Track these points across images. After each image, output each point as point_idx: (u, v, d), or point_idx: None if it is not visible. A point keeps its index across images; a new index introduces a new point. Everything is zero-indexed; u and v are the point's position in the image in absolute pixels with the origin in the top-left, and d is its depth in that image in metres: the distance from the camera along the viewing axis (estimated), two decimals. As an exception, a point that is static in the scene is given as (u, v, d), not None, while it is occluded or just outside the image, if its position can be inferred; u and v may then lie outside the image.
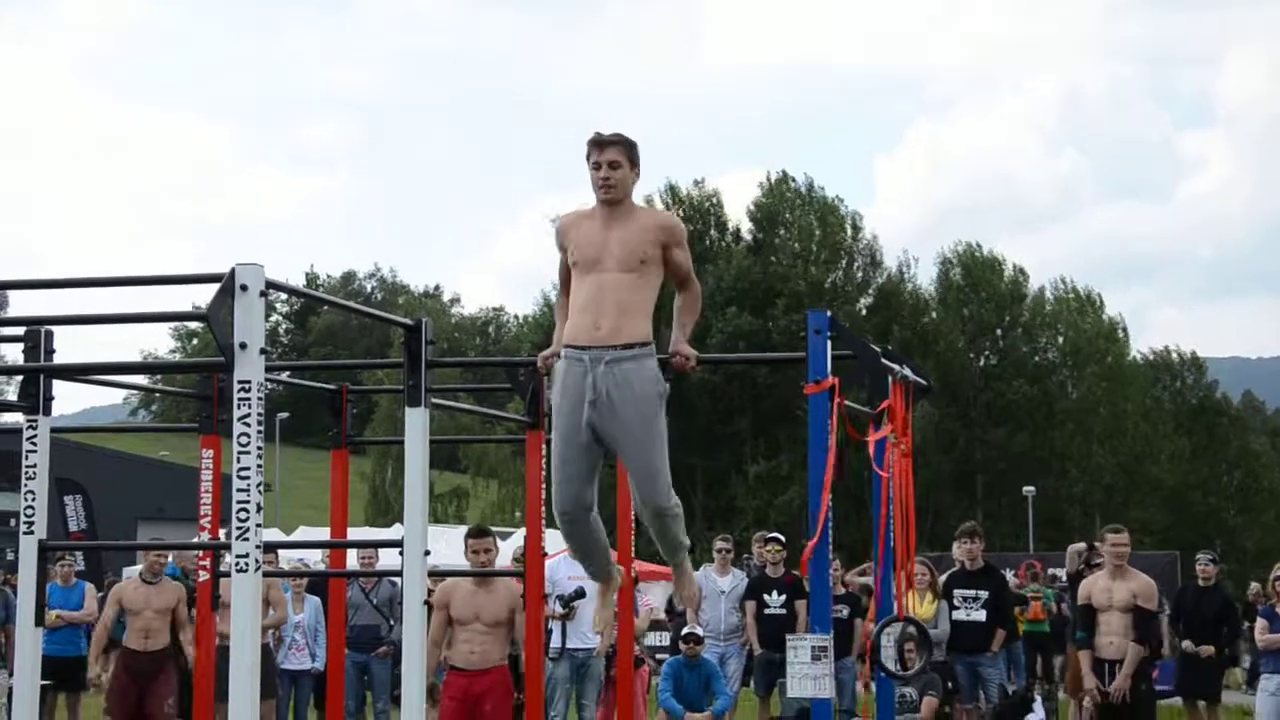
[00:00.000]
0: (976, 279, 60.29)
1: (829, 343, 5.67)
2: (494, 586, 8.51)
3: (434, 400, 5.96)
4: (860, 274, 60.16)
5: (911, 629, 6.30)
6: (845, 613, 11.73)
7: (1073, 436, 57.43)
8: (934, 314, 60.08)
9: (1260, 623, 11.47)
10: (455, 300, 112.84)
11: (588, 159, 5.54)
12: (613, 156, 5.51)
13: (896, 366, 6.06)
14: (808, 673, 5.50)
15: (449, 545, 16.19)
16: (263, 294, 4.59)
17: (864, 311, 57.05)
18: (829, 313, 5.80)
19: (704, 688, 11.78)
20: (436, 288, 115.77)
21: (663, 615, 19.26)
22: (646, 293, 5.55)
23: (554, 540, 7.78)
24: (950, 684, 11.43)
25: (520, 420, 7.22)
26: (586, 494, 5.71)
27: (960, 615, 11.68)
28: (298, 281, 52.72)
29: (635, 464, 5.61)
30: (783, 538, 13.09)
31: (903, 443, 6.09)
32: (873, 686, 6.72)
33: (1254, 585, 22.72)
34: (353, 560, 13.05)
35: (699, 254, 55.73)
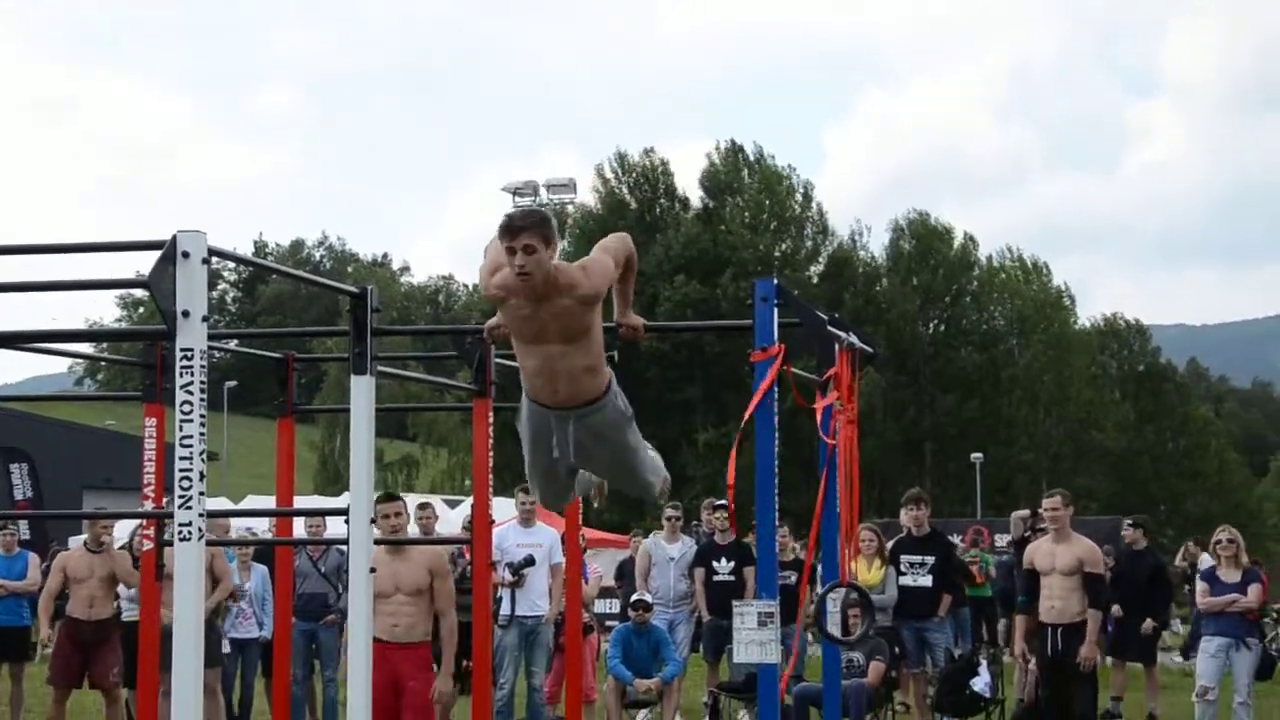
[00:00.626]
0: (926, 247, 60.58)
1: (776, 310, 5.66)
2: (409, 554, 8.34)
3: (381, 369, 5.93)
4: (810, 242, 60.32)
5: (854, 594, 6.34)
6: (793, 579, 11.78)
7: (1020, 404, 57.92)
8: (885, 282, 60.33)
9: (1201, 585, 11.57)
10: (405, 269, 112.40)
11: (500, 239, 5.22)
12: (527, 241, 5.14)
13: (843, 334, 6.07)
14: (754, 638, 5.51)
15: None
16: (205, 261, 4.54)
17: (815, 280, 57.17)
18: (775, 280, 5.79)
19: (653, 654, 11.84)
20: (385, 256, 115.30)
21: (611, 582, 19.31)
22: (595, 348, 5.47)
23: (503, 508, 7.77)
24: (897, 649, 11.53)
25: (468, 389, 7.20)
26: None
27: (907, 581, 11.77)
28: (246, 249, 52.38)
29: (623, 481, 6.06)
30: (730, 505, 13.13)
31: (848, 409, 6.10)
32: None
33: (1190, 547, 22.77)
34: (301, 529, 13.00)
35: (649, 224, 55.69)
